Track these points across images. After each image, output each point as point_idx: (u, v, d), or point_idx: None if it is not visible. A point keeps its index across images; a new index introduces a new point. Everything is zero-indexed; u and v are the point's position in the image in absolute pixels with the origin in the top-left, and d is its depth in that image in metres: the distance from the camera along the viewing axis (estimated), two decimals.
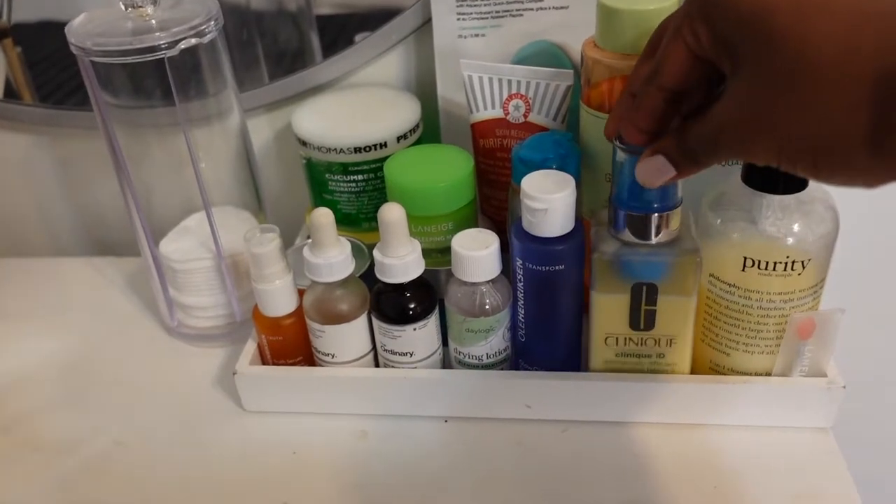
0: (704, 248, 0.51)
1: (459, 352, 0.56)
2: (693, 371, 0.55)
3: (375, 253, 0.53)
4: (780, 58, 0.30)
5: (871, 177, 0.30)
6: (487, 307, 0.53)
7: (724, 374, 0.54)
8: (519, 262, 0.51)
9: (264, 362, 0.59)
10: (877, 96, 0.28)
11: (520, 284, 0.52)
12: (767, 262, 0.49)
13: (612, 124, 0.45)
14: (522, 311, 0.54)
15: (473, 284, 0.53)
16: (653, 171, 0.39)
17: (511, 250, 0.52)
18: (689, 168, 0.38)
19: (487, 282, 0.53)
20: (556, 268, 0.50)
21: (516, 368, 0.57)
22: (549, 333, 0.54)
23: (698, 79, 0.37)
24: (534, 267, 0.51)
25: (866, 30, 0.29)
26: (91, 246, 0.86)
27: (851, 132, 0.29)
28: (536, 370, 0.56)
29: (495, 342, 0.55)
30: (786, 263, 0.48)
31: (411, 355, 0.55)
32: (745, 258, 0.49)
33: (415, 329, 0.54)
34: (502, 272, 0.53)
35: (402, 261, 0.52)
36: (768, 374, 0.53)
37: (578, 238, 0.50)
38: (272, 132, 0.75)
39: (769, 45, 0.31)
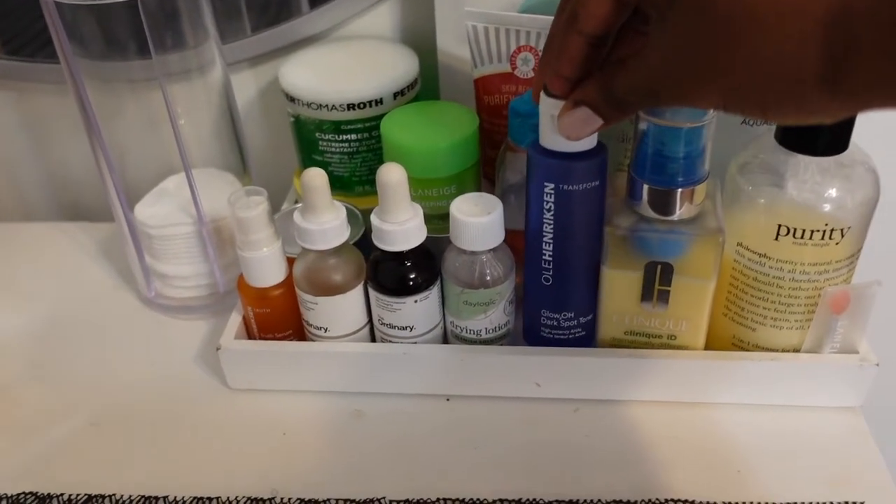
0: (733, 216, 0.47)
1: (456, 325, 0.52)
2: (714, 347, 0.51)
3: (373, 218, 0.49)
4: (717, 1, 0.28)
5: (825, 114, 0.28)
6: (488, 278, 0.49)
7: (749, 351, 0.51)
8: (549, 187, 0.45)
9: (250, 336, 0.55)
10: (829, 37, 0.26)
11: (547, 214, 0.46)
12: (803, 231, 0.45)
13: (539, 77, 0.41)
14: (550, 248, 0.48)
15: (473, 253, 0.49)
16: (577, 123, 0.37)
17: (531, 178, 0.46)
18: (616, 117, 0.36)
19: (488, 251, 0.49)
20: (592, 184, 0.45)
21: (537, 327, 0.52)
22: (579, 266, 0.49)
23: (621, 20, 0.35)
24: (568, 187, 0.45)
25: None
26: (61, 210, 0.81)
27: (803, 74, 0.27)
28: (566, 315, 0.51)
29: (495, 316, 0.51)
30: (823, 232, 0.45)
31: (411, 329, 0.51)
32: (780, 226, 0.45)
33: (416, 301, 0.50)
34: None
35: (402, 227, 0.48)
36: (796, 350, 0.50)
37: (605, 150, 0.45)
38: (256, 88, 0.70)
39: None
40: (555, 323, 0.51)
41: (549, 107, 0.41)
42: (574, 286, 0.50)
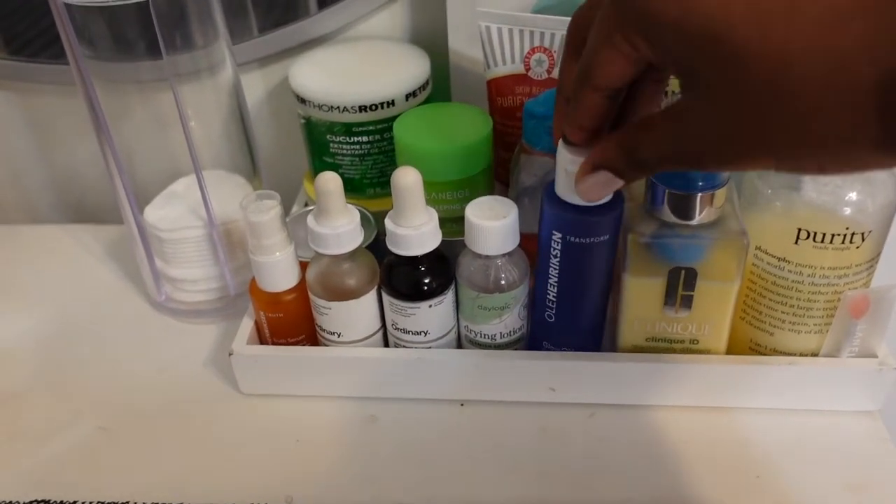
0: (751, 219, 0.46)
1: (471, 330, 0.51)
2: (731, 351, 0.50)
3: (387, 222, 0.48)
4: (753, 78, 0.26)
5: (882, 167, 0.27)
6: (503, 283, 0.49)
7: (767, 355, 0.50)
8: (557, 236, 0.46)
9: (262, 341, 0.54)
10: (881, 100, 0.24)
11: (553, 260, 0.47)
12: (824, 235, 0.44)
13: (557, 123, 0.41)
14: (554, 290, 0.49)
15: (488, 258, 0.48)
16: (596, 187, 0.36)
17: (542, 221, 0.47)
18: (637, 178, 0.36)
19: (503, 255, 0.48)
20: (601, 238, 0.45)
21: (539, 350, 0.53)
22: (582, 310, 0.50)
23: (636, 75, 0.34)
24: (576, 240, 0.45)
25: (848, 32, 0.24)
26: (67, 212, 0.80)
27: (857, 137, 0.25)
28: (565, 350, 0.51)
29: (510, 321, 0.50)
30: (844, 236, 0.44)
31: (426, 334, 0.51)
32: (800, 230, 0.45)
33: (430, 306, 0.49)
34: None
35: (417, 231, 0.47)
36: (814, 354, 0.49)
37: (621, 204, 0.45)
38: (265, 89, 0.70)
39: (736, 66, 0.27)
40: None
41: (566, 161, 0.41)
42: (576, 327, 0.50)
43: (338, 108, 0.57)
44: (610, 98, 0.35)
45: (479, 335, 0.51)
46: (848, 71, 0.24)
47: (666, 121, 0.31)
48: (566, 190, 0.43)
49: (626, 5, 0.30)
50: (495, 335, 0.51)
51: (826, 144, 0.26)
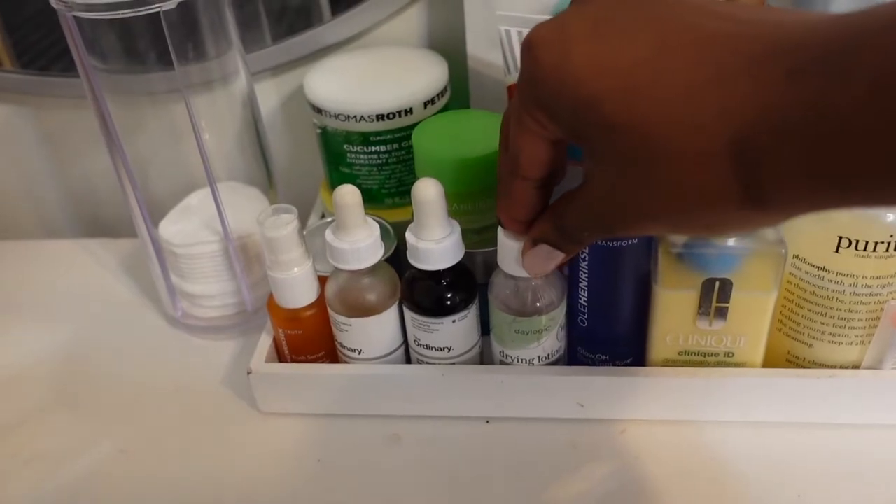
0: (788, 226, 0.44)
1: (507, 356, 0.49)
2: (768, 364, 0.48)
3: (408, 236, 0.46)
4: (624, 146, 0.28)
5: (767, 224, 0.29)
6: (540, 305, 0.46)
7: (806, 367, 0.48)
8: None
9: (281, 358, 0.53)
10: (736, 163, 0.26)
11: (583, 264, 0.46)
12: (867, 242, 0.42)
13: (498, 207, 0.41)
14: (585, 294, 0.47)
15: (525, 279, 0.46)
16: (539, 261, 0.37)
17: None
18: (576, 250, 0.38)
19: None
20: (629, 243, 0.44)
21: (574, 359, 0.51)
22: (615, 316, 0.48)
23: (561, 157, 0.35)
24: (603, 243, 0.44)
25: (704, 102, 0.26)
26: (82, 226, 0.79)
27: (728, 200, 0.27)
28: (600, 357, 0.49)
29: (549, 343, 0.48)
30: (888, 243, 0.42)
31: (449, 350, 0.49)
32: (840, 238, 0.42)
33: (454, 321, 0.48)
34: None
35: (439, 245, 0.45)
36: (856, 366, 0.47)
37: None
38: (279, 99, 0.68)
39: (610, 135, 0.28)
40: (589, 361, 0.50)
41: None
42: (608, 332, 0.49)
43: (354, 117, 0.56)
44: (538, 188, 0.36)
45: (516, 360, 0.49)
46: (705, 138, 0.26)
47: (581, 190, 0.32)
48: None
49: (524, 82, 0.32)
50: (533, 360, 0.49)
51: (696, 208, 0.27)
